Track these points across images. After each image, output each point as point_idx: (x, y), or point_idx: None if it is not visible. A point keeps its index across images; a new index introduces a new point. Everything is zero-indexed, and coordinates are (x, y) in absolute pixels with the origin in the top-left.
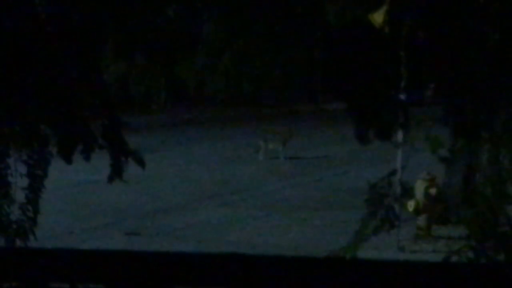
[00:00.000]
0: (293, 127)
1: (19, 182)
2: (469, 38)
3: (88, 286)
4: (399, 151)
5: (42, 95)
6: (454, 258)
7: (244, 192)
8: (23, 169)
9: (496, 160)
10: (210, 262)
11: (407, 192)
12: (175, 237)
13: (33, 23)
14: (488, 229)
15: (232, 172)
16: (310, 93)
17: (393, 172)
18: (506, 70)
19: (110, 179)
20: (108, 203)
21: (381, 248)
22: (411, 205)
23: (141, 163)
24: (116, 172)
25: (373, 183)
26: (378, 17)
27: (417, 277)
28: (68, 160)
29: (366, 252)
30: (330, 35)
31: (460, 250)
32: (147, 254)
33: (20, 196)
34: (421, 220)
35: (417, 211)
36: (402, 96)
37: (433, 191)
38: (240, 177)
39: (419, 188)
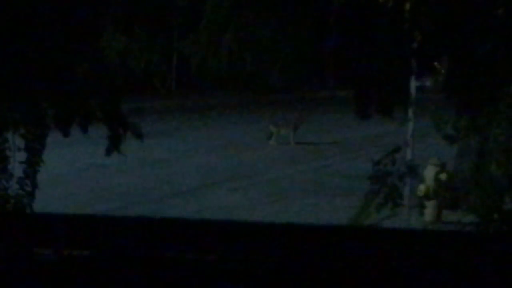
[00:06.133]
0: (304, 112)
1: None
2: (474, 13)
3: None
4: (408, 136)
5: (41, 69)
6: None
7: (255, 177)
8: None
9: (502, 139)
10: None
11: (414, 170)
12: None
13: None
14: (493, 206)
15: (242, 157)
16: (319, 77)
17: (396, 149)
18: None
19: (108, 151)
20: (119, 187)
21: None
22: (421, 190)
23: (139, 135)
24: (114, 144)
25: (377, 160)
26: None
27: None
28: (65, 132)
29: None
30: (334, 9)
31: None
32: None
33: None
34: (431, 206)
35: (427, 197)
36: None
37: (443, 176)
38: (251, 162)
39: (429, 173)
